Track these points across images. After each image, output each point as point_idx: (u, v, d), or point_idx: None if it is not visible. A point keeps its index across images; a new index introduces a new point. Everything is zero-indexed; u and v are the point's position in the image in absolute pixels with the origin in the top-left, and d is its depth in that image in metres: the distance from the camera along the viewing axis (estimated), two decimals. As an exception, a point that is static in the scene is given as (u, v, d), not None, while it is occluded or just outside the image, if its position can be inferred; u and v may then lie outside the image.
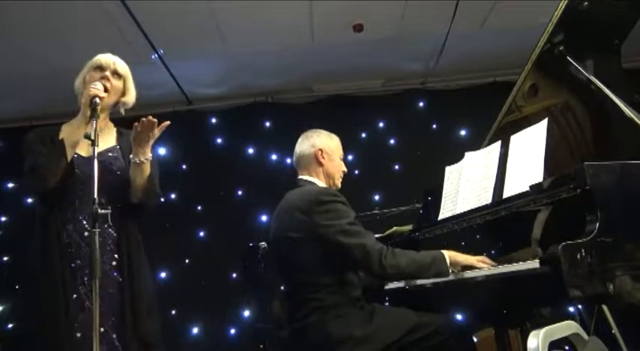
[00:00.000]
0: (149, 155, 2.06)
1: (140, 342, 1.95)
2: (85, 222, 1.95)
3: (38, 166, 1.89)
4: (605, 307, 2.48)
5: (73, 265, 1.92)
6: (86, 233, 1.94)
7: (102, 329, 1.88)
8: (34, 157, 1.94)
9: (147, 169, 2.06)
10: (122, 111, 2.20)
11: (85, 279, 1.91)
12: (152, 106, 5.10)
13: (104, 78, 2.06)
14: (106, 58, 2.12)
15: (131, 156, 2.04)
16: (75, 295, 1.90)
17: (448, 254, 2.09)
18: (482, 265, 2.05)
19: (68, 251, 1.92)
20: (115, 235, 2.02)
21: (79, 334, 1.85)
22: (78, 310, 1.88)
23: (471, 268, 2.08)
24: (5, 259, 4.78)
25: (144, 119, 1.99)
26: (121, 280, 1.97)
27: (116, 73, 2.11)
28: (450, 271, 2.08)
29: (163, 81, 4.75)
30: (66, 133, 1.98)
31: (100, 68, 2.09)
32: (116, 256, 2.00)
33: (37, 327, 1.84)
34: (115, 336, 1.91)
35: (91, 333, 1.83)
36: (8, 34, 3.81)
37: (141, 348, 1.95)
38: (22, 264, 2.02)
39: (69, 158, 1.93)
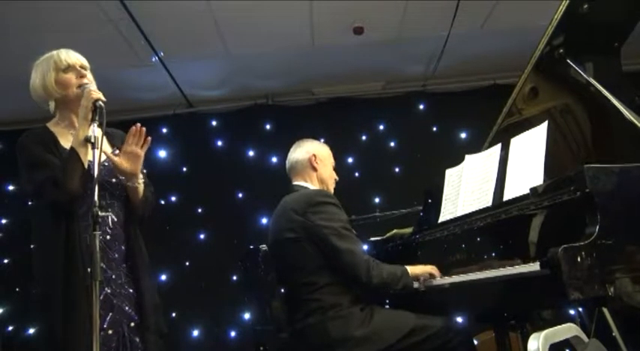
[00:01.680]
0: (141, 177, 2.06)
1: (158, 334, 2.00)
2: (105, 227, 1.97)
3: (57, 177, 1.86)
4: (605, 310, 2.48)
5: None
6: (108, 236, 1.96)
7: (132, 324, 1.95)
8: (48, 167, 1.90)
9: (142, 190, 2.07)
10: None
11: (113, 277, 1.95)
12: (152, 108, 5.13)
13: (82, 76, 2.02)
14: (68, 56, 2.05)
15: (123, 179, 2.04)
16: (101, 297, 1.90)
17: (409, 268, 2.21)
18: (435, 273, 2.23)
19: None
20: (124, 235, 2.04)
21: (110, 332, 1.89)
22: (108, 309, 1.91)
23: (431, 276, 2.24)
24: (6, 261, 4.79)
25: (135, 127, 1.99)
26: (135, 278, 2.00)
27: (83, 67, 2.07)
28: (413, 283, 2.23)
29: (164, 83, 4.76)
30: (71, 139, 1.97)
31: (69, 67, 2.03)
32: (128, 256, 2.02)
33: (66, 329, 1.84)
34: (136, 332, 1.95)
35: (122, 328, 1.91)
36: (8, 36, 3.82)
37: (157, 339, 2.00)
38: (40, 269, 2.00)
39: (85, 165, 1.93)
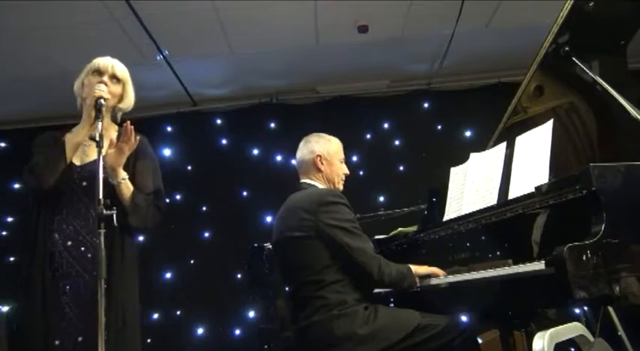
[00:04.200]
0: (123, 175, 2.01)
1: None
2: (70, 232, 1.95)
3: (37, 165, 1.92)
4: (610, 309, 2.47)
5: (55, 273, 1.93)
6: (69, 242, 1.94)
7: (80, 339, 1.86)
8: (37, 156, 1.96)
9: (125, 190, 2.02)
10: (118, 116, 2.18)
11: (67, 287, 1.91)
12: (157, 107, 5.14)
13: (102, 83, 2.03)
14: (105, 62, 2.09)
15: (109, 179, 2.00)
16: (55, 304, 1.90)
17: (413, 268, 2.23)
18: (439, 273, 2.24)
19: (51, 259, 1.92)
20: (94, 244, 1.95)
21: (57, 342, 1.84)
22: (58, 318, 1.87)
23: (429, 277, 2.25)
24: (12, 259, 4.81)
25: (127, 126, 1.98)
26: (101, 289, 1.86)
27: (115, 77, 2.09)
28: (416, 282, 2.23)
29: (168, 82, 4.77)
30: (70, 134, 1.99)
31: (99, 72, 2.07)
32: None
33: (19, 331, 1.86)
34: (91, 345, 1.81)
35: (70, 340, 1.84)
36: (13, 36, 3.83)
37: None
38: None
39: (68, 160, 1.94)
